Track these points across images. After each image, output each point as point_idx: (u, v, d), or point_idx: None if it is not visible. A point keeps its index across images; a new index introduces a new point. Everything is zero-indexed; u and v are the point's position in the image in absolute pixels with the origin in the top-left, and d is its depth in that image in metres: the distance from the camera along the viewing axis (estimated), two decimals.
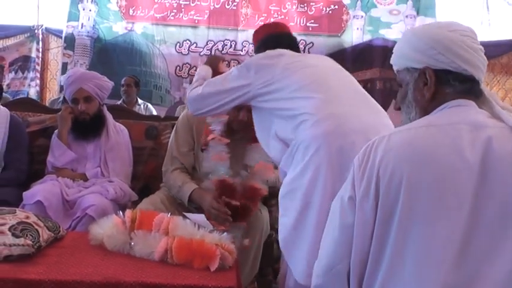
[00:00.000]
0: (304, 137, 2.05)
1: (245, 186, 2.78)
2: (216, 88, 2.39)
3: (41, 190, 2.85)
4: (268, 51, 2.35)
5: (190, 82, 6.47)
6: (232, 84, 2.34)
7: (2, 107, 3.34)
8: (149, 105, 6.44)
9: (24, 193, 2.88)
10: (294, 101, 2.16)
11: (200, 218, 2.39)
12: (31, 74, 7.70)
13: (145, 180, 3.46)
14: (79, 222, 2.79)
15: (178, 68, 7.49)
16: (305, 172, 2.00)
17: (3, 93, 3.70)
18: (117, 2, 7.46)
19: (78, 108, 3.26)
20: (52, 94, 7.62)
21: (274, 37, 2.49)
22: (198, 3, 7.59)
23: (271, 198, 3.09)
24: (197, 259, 2.01)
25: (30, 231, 2.07)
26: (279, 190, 2.68)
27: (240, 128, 2.87)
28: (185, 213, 2.38)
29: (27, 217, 2.19)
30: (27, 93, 7.49)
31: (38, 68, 7.70)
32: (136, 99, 6.21)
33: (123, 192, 3.06)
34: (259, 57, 2.36)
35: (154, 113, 6.18)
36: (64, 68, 7.32)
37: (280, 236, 2.19)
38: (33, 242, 2.02)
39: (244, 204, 2.69)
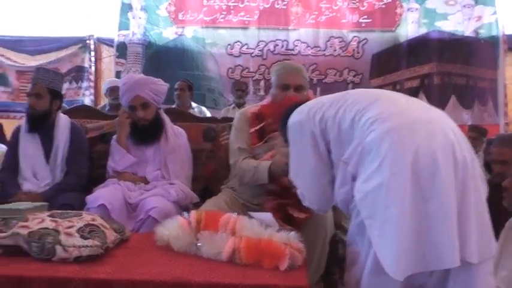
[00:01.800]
0: (374, 136, 1.96)
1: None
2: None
3: (104, 194, 2.90)
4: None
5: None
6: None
7: (62, 114, 3.44)
8: (203, 108, 6.49)
9: (87, 197, 2.95)
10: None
11: (266, 217, 2.37)
12: (85, 84, 7.91)
13: (204, 182, 3.48)
14: (142, 224, 2.83)
15: (230, 70, 7.53)
16: (383, 167, 1.92)
17: None
18: (166, 8, 7.59)
19: (136, 114, 3.31)
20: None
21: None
22: (248, 4, 7.63)
23: None
24: (266, 259, 1.99)
25: (97, 233, 2.10)
26: None
27: None
28: (251, 213, 2.37)
29: (94, 219, 2.23)
30: (82, 103, 7.68)
31: (92, 77, 7.93)
32: (190, 103, 6.26)
33: (184, 194, 3.09)
34: None
35: (209, 116, 6.22)
36: (117, 76, 7.48)
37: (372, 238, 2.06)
38: (101, 243, 2.05)
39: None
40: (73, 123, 3.44)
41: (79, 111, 3.84)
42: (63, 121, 3.40)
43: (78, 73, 7.97)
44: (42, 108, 3.30)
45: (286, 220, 2.63)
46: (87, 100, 7.83)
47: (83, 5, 7.89)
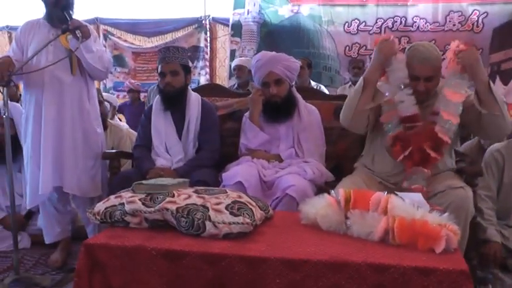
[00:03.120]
0: None
1: (430, 134, 2.75)
2: None
3: (240, 171, 2.90)
4: None
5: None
6: None
7: (193, 92, 3.49)
8: (322, 86, 6.40)
9: (223, 174, 2.97)
10: None
11: (416, 197, 2.27)
12: (200, 63, 8.06)
13: (336, 161, 3.41)
14: (279, 202, 2.80)
15: (347, 48, 7.38)
16: None
17: None
18: None
19: (269, 91, 3.29)
20: (222, 81, 7.91)
21: None
22: None
23: (473, 178, 2.96)
24: (421, 240, 1.90)
25: (246, 210, 2.09)
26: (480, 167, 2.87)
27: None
28: (398, 193, 2.27)
29: (240, 196, 2.22)
30: (198, 82, 7.85)
31: (207, 56, 8.07)
32: (309, 81, 6.20)
33: (320, 173, 3.03)
34: None
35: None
36: (232, 55, 7.58)
37: None
38: (250, 220, 2.04)
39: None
40: (204, 100, 3.48)
41: (209, 90, 3.87)
42: (194, 98, 3.44)
43: (193, 53, 8.13)
44: (179, 85, 3.35)
45: (422, 161, 2.73)
46: (203, 79, 8.00)
47: None
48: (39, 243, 3.70)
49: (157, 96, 3.50)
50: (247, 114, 3.43)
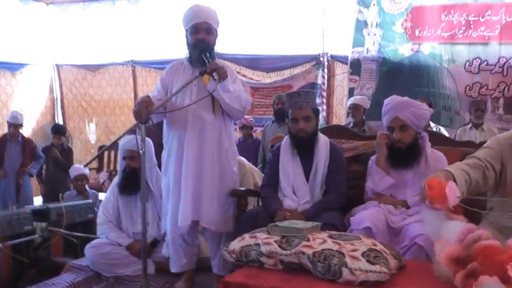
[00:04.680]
0: None
1: None
2: None
3: (368, 216, 2.95)
4: None
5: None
6: None
7: (321, 134, 3.58)
8: (441, 128, 6.32)
9: (351, 218, 3.03)
10: None
11: None
12: (318, 100, 8.17)
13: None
14: (407, 251, 2.81)
15: (468, 87, 7.21)
16: None
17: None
18: (402, 24, 7.50)
19: (393, 136, 3.33)
20: (339, 119, 7.97)
21: None
22: (488, 18, 7.22)
23: None
24: None
25: (381, 259, 2.15)
26: None
27: None
28: None
29: (374, 244, 2.29)
30: None
31: (325, 94, 8.16)
32: (429, 122, 6.14)
33: None
34: None
35: (447, 135, 6.02)
36: (350, 93, 7.63)
37: None
38: (387, 269, 2.09)
39: None
40: (332, 142, 3.57)
41: (335, 131, 3.97)
42: (322, 141, 3.54)
43: (311, 90, 8.24)
44: (311, 129, 3.48)
45: None
46: (320, 117, 8.04)
47: (316, 24, 8.21)
48: (162, 271, 3.90)
49: (286, 137, 3.63)
50: (373, 157, 3.47)
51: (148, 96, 3.37)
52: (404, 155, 3.33)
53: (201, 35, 3.40)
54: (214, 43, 3.50)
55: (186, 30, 3.48)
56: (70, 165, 6.84)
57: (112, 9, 9.50)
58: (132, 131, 3.43)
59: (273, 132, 6.65)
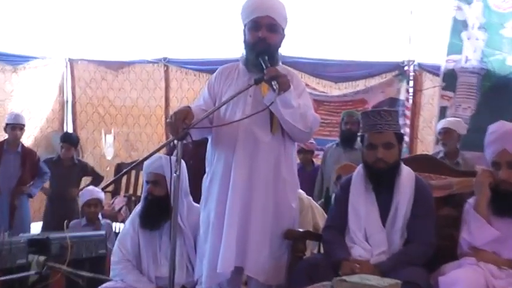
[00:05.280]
0: None
1: None
2: None
3: (463, 277, 2.93)
4: None
5: None
6: None
7: (405, 166, 3.57)
8: None
9: (440, 278, 3.01)
10: None
11: None
12: (400, 121, 8.06)
13: None
14: None
15: None
16: None
17: None
18: None
19: (499, 175, 3.30)
20: (425, 146, 7.87)
21: None
22: None
23: None
24: None
25: None
26: None
27: None
28: None
29: None
30: None
31: (408, 113, 8.05)
32: None
33: None
34: None
35: None
36: (442, 113, 7.48)
37: None
38: None
39: None
40: (418, 178, 3.54)
41: (421, 162, 3.94)
42: (406, 175, 3.51)
43: (390, 107, 8.08)
44: (393, 159, 3.46)
45: None
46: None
47: (401, 24, 8.15)
48: None
49: (359, 168, 3.63)
50: (471, 200, 3.43)
51: (189, 107, 3.36)
52: None
53: (262, 32, 3.41)
54: (279, 45, 3.51)
55: (244, 26, 3.51)
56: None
57: None
58: (165, 148, 3.44)
59: (336, 158, 6.64)
